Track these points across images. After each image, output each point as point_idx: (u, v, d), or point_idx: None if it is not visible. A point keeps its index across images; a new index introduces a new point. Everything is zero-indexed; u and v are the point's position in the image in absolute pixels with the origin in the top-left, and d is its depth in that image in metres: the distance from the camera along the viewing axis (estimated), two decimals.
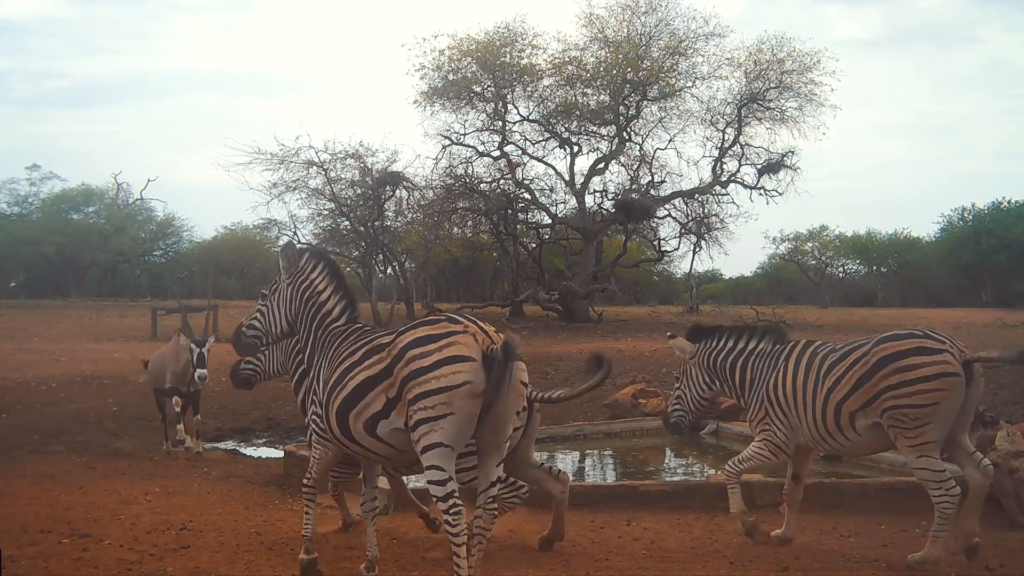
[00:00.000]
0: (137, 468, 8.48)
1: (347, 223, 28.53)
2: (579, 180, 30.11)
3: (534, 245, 32.36)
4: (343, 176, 28.01)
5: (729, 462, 5.89)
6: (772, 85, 29.04)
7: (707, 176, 30.31)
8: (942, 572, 5.24)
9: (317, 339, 4.89)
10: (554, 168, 30.53)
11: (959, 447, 5.27)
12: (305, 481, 5.03)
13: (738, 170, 30.43)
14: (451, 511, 4.17)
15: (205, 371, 8.59)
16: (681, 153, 33.13)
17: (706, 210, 30.48)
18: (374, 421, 4.40)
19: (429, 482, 4.23)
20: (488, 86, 28.58)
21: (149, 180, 53.82)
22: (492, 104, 29.05)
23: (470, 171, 29.58)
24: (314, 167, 27.19)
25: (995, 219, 46.11)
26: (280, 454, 8.93)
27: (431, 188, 28.81)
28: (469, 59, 28.20)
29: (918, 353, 5.06)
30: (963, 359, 5.07)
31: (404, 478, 6.29)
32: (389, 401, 4.34)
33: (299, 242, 29.79)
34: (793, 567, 5.31)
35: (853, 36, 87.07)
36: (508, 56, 28.34)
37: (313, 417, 4.82)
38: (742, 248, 67.33)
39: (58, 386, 13.34)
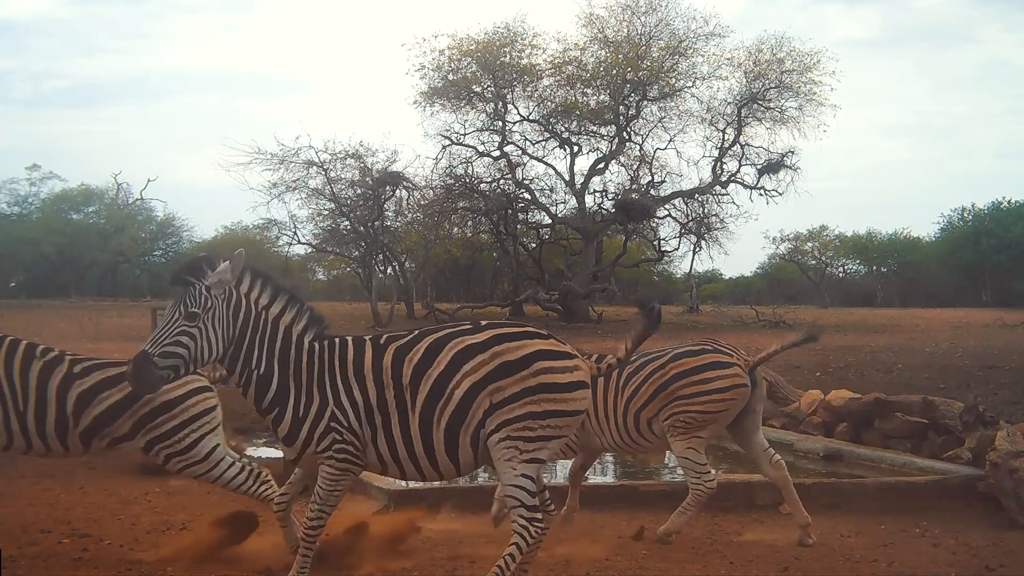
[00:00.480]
0: (137, 468, 8.47)
1: (347, 223, 28.51)
2: (579, 180, 30.13)
3: (534, 245, 32.38)
4: (343, 176, 28.02)
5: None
6: (772, 85, 29.06)
7: (707, 176, 30.35)
8: (942, 572, 5.25)
9: (298, 358, 4.34)
10: (554, 168, 30.57)
11: (753, 445, 5.83)
12: (314, 522, 4.34)
13: (738, 170, 30.47)
14: (536, 522, 4.10)
15: None
16: (681, 153, 33.14)
17: (706, 210, 30.51)
18: (477, 432, 4.16)
19: (521, 490, 4.07)
20: (488, 86, 28.58)
21: (149, 180, 53.68)
22: (492, 104, 29.05)
23: (470, 171, 29.60)
24: (314, 167, 27.19)
25: (995, 219, 46.17)
26: (280, 454, 8.91)
27: (431, 188, 28.84)
28: (469, 59, 28.20)
29: (713, 368, 5.64)
30: (748, 368, 5.70)
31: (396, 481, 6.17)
32: (492, 406, 4.11)
33: (297, 241, 29.83)
34: (793, 567, 5.31)
35: (853, 36, 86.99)
36: (508, 56, 28.34)
37: (343, 446, 4.25)
38: (742, 248, 67.09)
39: None
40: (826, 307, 41.73)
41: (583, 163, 32.78)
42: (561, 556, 5.32)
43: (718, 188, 30.30)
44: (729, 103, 29.60)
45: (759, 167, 30.24)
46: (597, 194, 30.59)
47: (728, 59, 29.13)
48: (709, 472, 5.66)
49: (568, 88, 28.82)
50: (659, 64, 28.40)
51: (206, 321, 4.22)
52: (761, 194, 30.40)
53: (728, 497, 6.67)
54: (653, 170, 30.22)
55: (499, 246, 32.88)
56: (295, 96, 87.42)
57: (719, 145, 29.98)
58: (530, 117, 29.60)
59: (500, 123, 29.44)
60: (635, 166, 30.36)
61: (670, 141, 29.88)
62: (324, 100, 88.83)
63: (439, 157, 29.23)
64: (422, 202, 28.76)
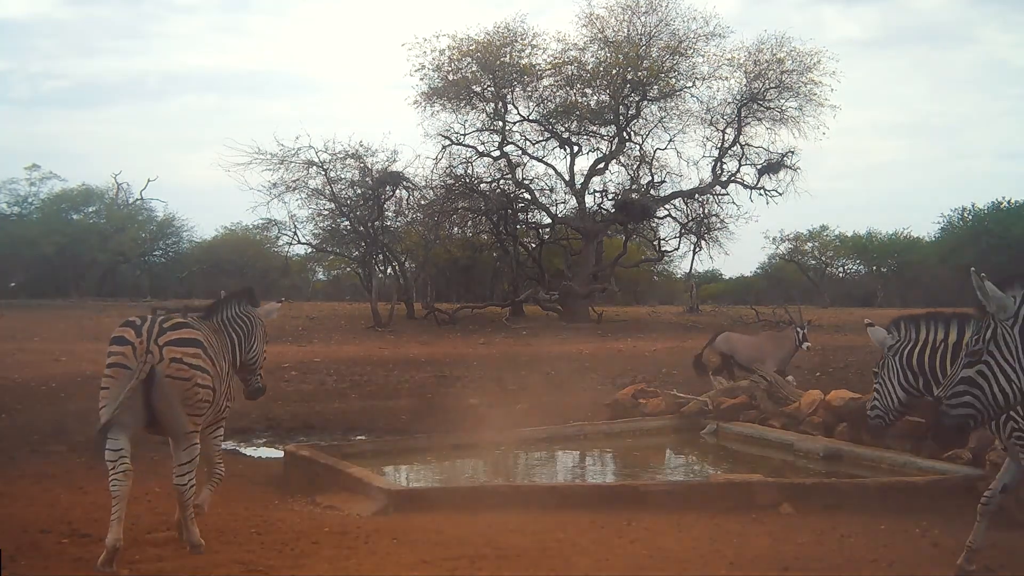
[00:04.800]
0: (137, 468, 8.47)
1: (347, 223, 28.51)
2: (579, 180, 30.15)
3: (534, 245, 32.39)
4: (343, 176, 28.01)
5: None
6: (772, 85, 29.08)
7: (707, 176, 30.38)
8: (942, 572, 5.24)
9: None
10: (554, 168, 30.59)
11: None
12: None
13: (738, 170, 30.50)
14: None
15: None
16: (681, 153, 33.06)
17: (706, 210, 30.56)
18: None
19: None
20: (488, 86, 28.59)
21: (149, 180, 53.18)
22: (492, 104, 29.07)
23: (470, 171, 29.64)
24: (314, 167, 27.18)
25: (995, 219, 46.15)
26: (280, 454, 8.93)
27: (431, 188, 28.86)
28: (469, 59, 28.20)
29: (116, 343, 5.33)
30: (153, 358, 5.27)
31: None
32: None
33: (297, 241, 29.83)
34: (793, 567, 5.31)
35: (850, 36, 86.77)
36: (508, 56, 28.35)
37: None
38: (742, 248, 66.86)
39: (58, 386, 13.32)
40: (826, 307, 41.71)
41: (583, 163, 32.83)
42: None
43: (718, 188, 30.32)
44: (729, 103, 29.66)
45: (759, 167, 30.27)
46: (597, 194, 30.65)
47: (728, 59, 29.18)
48: (121, 461, 5.41)
49: (568, 88, 28.84)
50: (659, 64, 28.41)
51: None
52: (761, 194, 30.45)
53: (728, 497, 6.68)
54: (653, 170, 30.27)
55: (499, 246, 32.88)
56: (295, 96, 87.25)
57: (719, 145, 30.02)
58: (530, 117, 29.62)
59: (500, 123, 29.46)
60: (635, 166, 30.38)
61: (670, 141, 29.94)
62: (324, 100, 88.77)
63: (439, 157, 29.29)
64: (422, 202, 28.78)
